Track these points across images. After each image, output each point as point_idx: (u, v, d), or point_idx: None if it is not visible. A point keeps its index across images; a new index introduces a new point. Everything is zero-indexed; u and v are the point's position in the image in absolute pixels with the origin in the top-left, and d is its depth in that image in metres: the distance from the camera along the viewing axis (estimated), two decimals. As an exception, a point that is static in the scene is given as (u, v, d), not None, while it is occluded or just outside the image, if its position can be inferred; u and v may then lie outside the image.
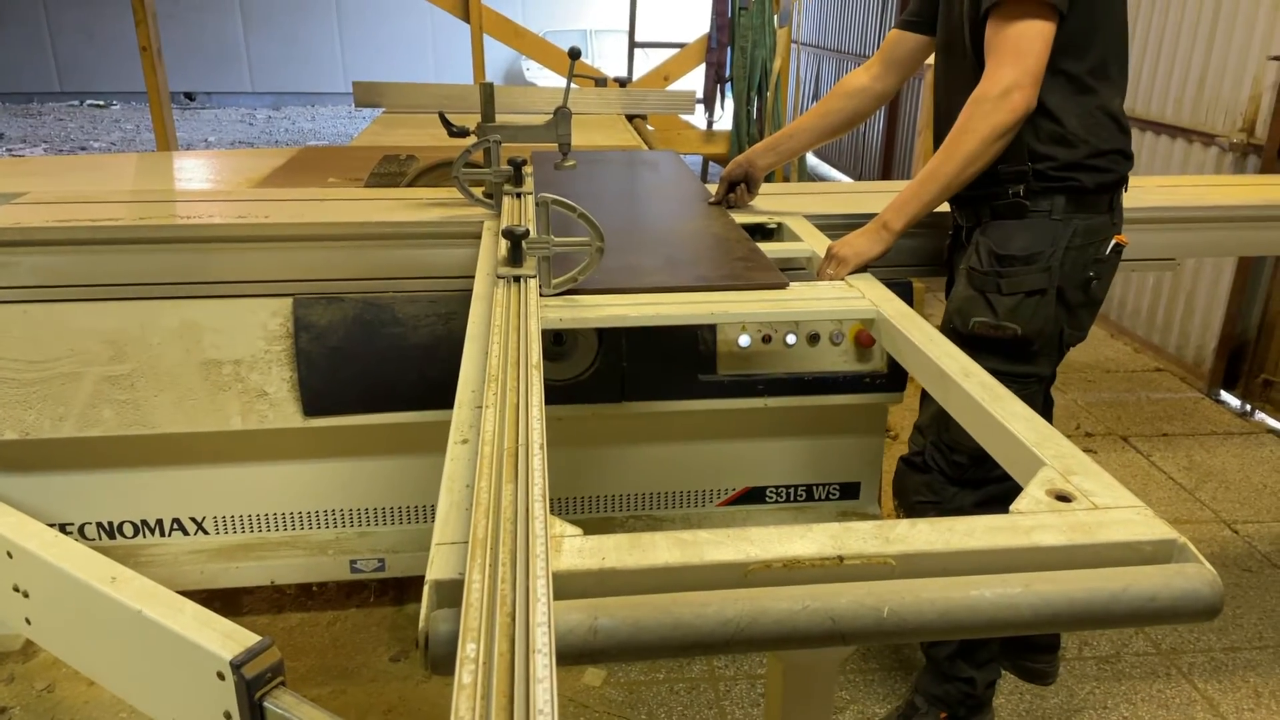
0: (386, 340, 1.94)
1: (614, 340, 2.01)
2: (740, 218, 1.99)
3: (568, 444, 2.16)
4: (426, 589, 0.77)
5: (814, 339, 2.06)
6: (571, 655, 0.75)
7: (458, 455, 0.98)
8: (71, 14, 12.77)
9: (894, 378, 2.10)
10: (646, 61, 5.71)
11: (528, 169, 2.04)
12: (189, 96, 13.02)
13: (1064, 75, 1.60)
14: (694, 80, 4.84)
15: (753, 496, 2.26)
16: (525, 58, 12.00)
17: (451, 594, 0.76)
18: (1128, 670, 2.16)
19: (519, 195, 1.90)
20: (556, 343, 2.04)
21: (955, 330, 1.71)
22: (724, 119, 5.05)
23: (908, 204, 1.67)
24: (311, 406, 1.96)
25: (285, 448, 2.04)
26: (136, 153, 4.39)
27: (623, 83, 4.01)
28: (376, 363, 1.95)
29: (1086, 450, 3.07)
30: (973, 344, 1.68)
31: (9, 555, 1.70)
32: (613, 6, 13.42)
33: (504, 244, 1.44)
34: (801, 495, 2.26)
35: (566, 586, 0.80)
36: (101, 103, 12.87)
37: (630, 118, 3.60)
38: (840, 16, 7.89)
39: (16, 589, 1.72)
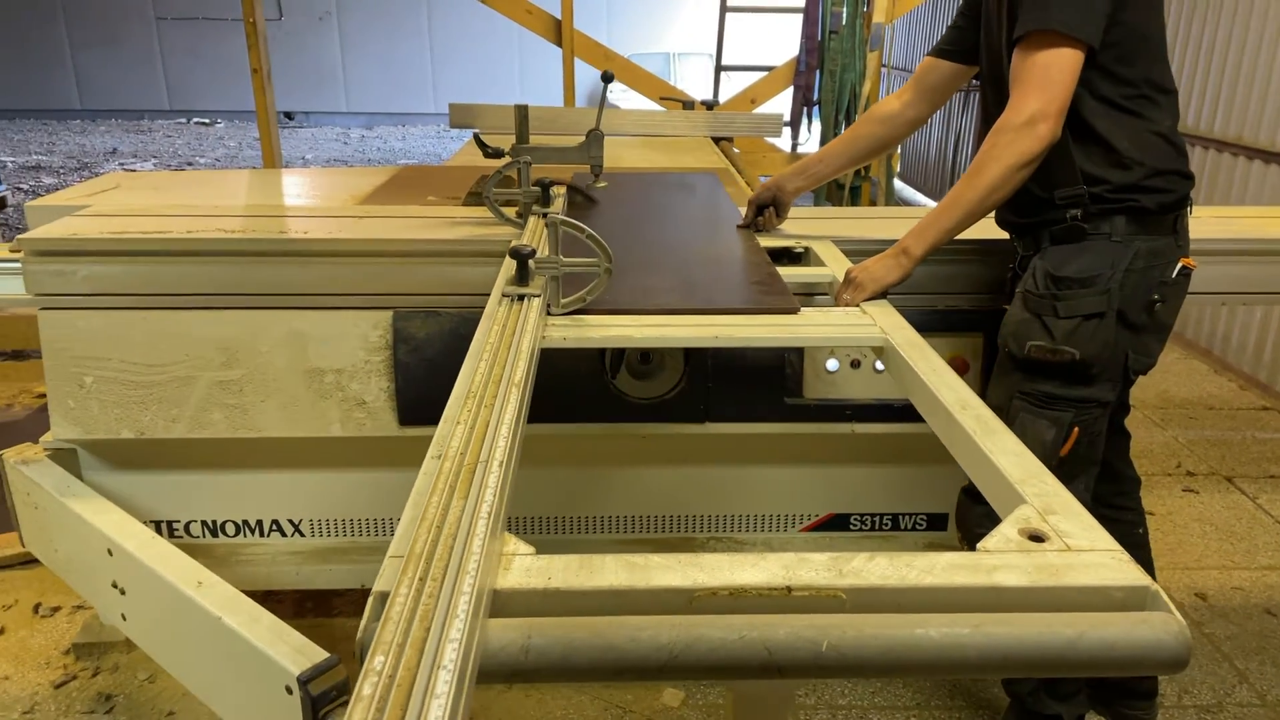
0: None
1: (699, 360, 2.03)
2: (769, 241, 1.99)
3: (649, 463, 2.17)
4: (370, 601, 0.77)
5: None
6: (503, 674, 0.75)
7: (428, 471, 0.97)
8: (182, 37, 13.50)
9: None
10: (730, 85, 5.74)
11: (556, 190, 2.08)
12: (288, 116, 13.60)
13: (1108, 100, 1.58)
14: (780, 103, 4.85)
15: (837, 523, 2.23)
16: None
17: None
18: (1231, 722, 2.06)
19: (545, 215, 1.94)
20: (643, 361, 2.06)
21: (1010, 354, 1.68)
22: (810, 142, 5.04)
23: (928, 230, 1.65)
24: (407, 416, 2.02)
25: (380, 455, 2.11)
26: (249, 169, 4.61)
27: (709, 105, 4.03)
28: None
29: (1187, 490, 2.96)
30: (1028, 368, 1.66)
31: (109, 553, 1.80)
32: (695, 30, 13.54)
33: (512, 263, 1.46)
34: (887, 524, 2.23)
35: (511, 604, 0.80)
36: (207, 120, 13.53)
37: (717, 140, 3.62)
38: (930, 41, 7.81)
39: (115, 585, 1.82)
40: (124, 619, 1.84)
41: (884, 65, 4.71)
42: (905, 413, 2.07)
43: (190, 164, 9.99)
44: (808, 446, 2.13)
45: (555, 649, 0.75)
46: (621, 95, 11.63)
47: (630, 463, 2.16)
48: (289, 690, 1.35)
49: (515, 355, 1.20)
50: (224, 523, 2.16)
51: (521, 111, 2.07)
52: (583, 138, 2.11)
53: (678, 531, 2.25)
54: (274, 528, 2.17)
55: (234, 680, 1.54)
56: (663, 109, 4.32)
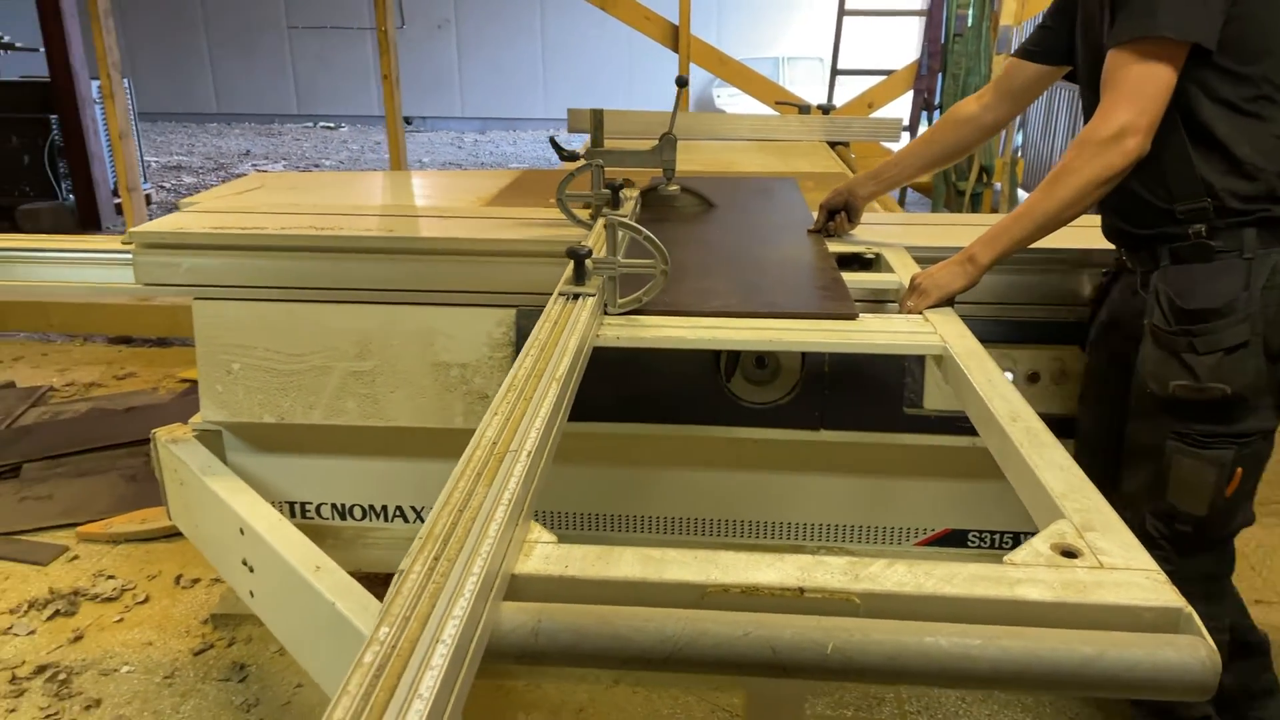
0: (597, 354, 2.03)
1: (816, 366, 2.01)
2: (840, 247, 1.96)
3: (761, 468, 2.17)
4: (395, 577, 0.79)
5: (1034, 378, 1.97)
6: (512, 654, 0.77)
7: (464, 458, 1.00)
8: (311, 44, 14.18)
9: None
10: (844, 90, 5.66)
11: (627, 192, 2.09)
12: (407, 120, 14.14)
13: (1227, 103, 1.48)
14: (898, 108, 4.75)
15: (954, 539, 2.18)
16: (717, 85, 12.20)
17: None
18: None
19: (624, 219, 1.97)
20: (758, 365, 2.06)
21: (1153, 395, 1.58)
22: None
23: (998, 239, 1.59)
24: (526, 412, 2.07)
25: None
26: (380, 170, 4.83)
27: (825, 110, 3.99)
28: (586, 375, 2.04)
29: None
30: (1176, 408, 1.55)
31: (241, 532, 1.90)
32: (805, 34, 13.40)
33: (570, 263, 1.48)
34: (1008, 542, 2.16)
35: (528, 589, 0.82)
36: (332, 125, 14.17)
37: (833, 145, 3.58)
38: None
39: (245, 563, 1.92)
40: (251, 595, 1.95)
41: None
42: (1060, 427, 2.00)
43: (316, 165, 10.49)
44: (926, 459, 2.09)
45: (564, 634, 0.77)
46: (731, 100, 11.63)
47: (742, 468, 2.16)
48: None
49: (561, 351, 1.23)
50: (352, 506, 2.26)
51: (597, 116, 2.12)
52: (692, 141, 2.12)
53: (788, 539, 2.23)
54: (398, 513, 2.26)
55: (343, 664, 1.60)
56: (776, 114, 4.30)
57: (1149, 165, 1.53)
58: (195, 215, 2.25)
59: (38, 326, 4.41)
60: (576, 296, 1.45)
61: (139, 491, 2.91)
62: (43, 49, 6.03)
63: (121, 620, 2.37)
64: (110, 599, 2.45)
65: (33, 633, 2.32)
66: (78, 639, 2.29)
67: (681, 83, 2.04)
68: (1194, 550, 1.61)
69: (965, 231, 2.15)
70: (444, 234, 2.05)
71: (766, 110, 5.05)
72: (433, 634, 0.68)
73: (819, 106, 4.07)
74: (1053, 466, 1.03)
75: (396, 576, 0.77)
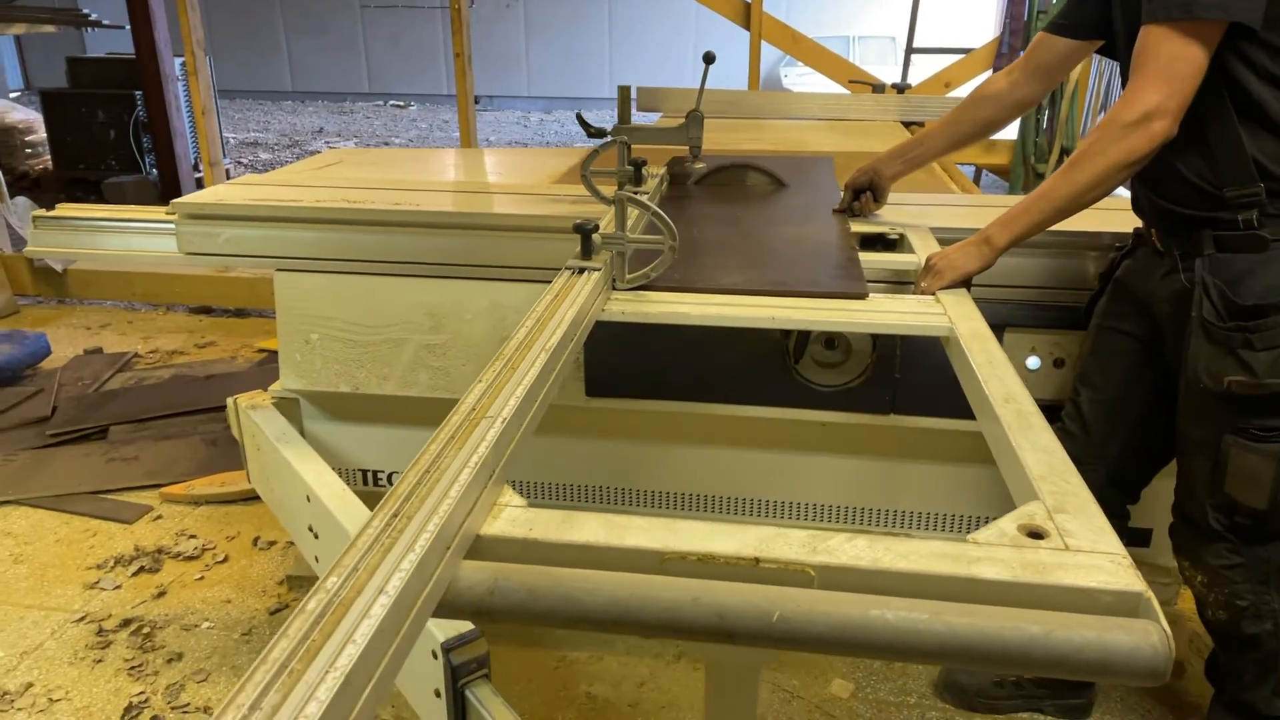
0: (667, 330, 2.03)
1: (888, 349, 1.98)
2: (865, 227, 1.94)
3: (829, 451, 2.15)
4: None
5: (1059, 363, 1.91)
6: (468, 611, 0.81)
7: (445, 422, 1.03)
8: (383, 24, 14.38)
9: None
10: (917, 69, 5.53)
11: (650, 169, 2.12)
12: (474, 99, 14.28)
13: (1278, 81, 1.40)
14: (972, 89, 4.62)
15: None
16: (785, 64, 12.02)
17: None
18: None
19: (634, 194, 1.98)
20: (828, 347, 2.03)
21: (1206, 390, 1.51)
22: (1009, 128, 4.79)
23: (1016, 220, 1.55)
24: (594, 388, 2.09)
25: (567, 424, 2.19)
26: (453, 148, 4.89)
27: (900, 89, 3.91)
28: (657, 351, 2.04)
29: None
30: (1233, 403, 1.49)
31: (307, 499, 1.94)
32: (876, 13, 13.12)
33: (578, 237, 1.50)
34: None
35: (492, 550, 0.85)
36: (401, 103, 14.37)
37: (907, 125, 3.50)
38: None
39: (310, 529, 1.97)
40: (316, 561, 2.00)
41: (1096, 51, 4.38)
42: (1112, 417, 1.95)
43: (386, 143, 10.66)
44: (1000, 446, 2.04)
45: (518, 593, 0.80)
46: (799, 80, 11.45)
47: (810, 449, 2.14)
48: (434, 655, 1.41)
49: (556, 324, 1.25)
50: (422, 477, 2.31)
51: (624, 92, 2.14)
52: (762, 120, 2.10)
53: (855, 523, 2.22)
54: (469, 485, 2.30)
55: None
56: (849, 93, 4.22)
57: (1194, 144, 1.47)
58: (235, 187, 2.32)
59: (123, 295, 4.59)
60: (582, 271, 1.48)
61: (218, 455, 3.01)
62: (128, 27, 6.22)
63: (202, 578, 2.46)
64: (191, 557, 2.55)
65: (119, 588, 2.42)
66: (161, 595, 2.39)
67: (709, 59, 2.04)
68: (1259, 540, 1.57)
69: (995, 213, 2.12)
70: (514, 210, 2.07)
71: (838, 89, 4.96)
72: (378, 585, 0.71)
73: (894, 86, 3.98)
74: (1036, 449, 1.03)
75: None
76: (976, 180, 5.51)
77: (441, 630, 1.43)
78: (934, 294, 1.57)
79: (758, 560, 0.81)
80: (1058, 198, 1.51)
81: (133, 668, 2.13)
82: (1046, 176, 4.40)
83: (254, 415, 2.21)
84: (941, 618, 0.75)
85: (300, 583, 2.41)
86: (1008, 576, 0.79)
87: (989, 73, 4.72)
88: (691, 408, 2.07)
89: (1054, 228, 1.60)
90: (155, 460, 3.00)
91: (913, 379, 1.98)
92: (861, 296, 1.52)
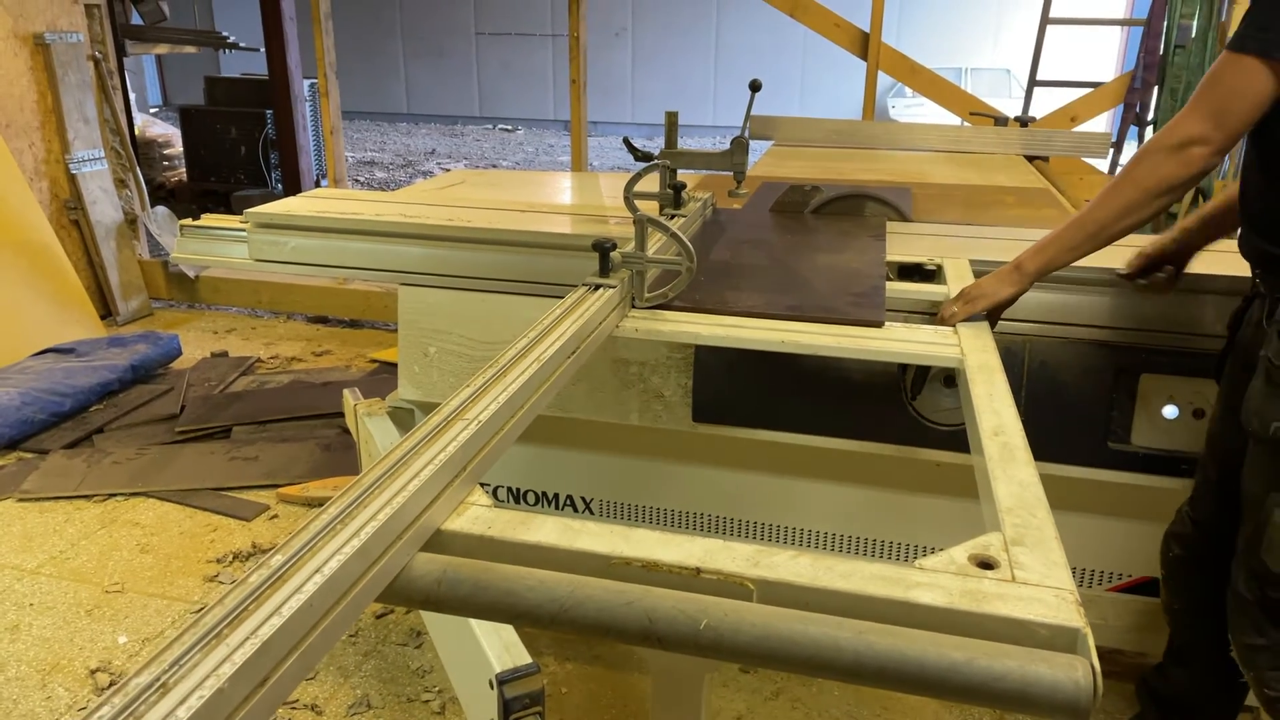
0: (778, 361, 2.01)
1: (1013, 389, 1.91)
2: (901, 257, 1.91)
3: (943, 493, 2.08)
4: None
5: (1198, 414, 1.79)
6: (416, 599, 0.85)
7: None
8: (496, 50, 14.84)
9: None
10: (1038, 103, 5.37)
11: (690, 193, 2.16)
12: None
13: None
14: (1099, 124, 4.46)
15: (1149, 588, 2.01)
16: (893, 95, 11.85)
17: None
18: None
19: (672, 217, 2.03)
20: (947, 385, 1.97)
21: (1255, 435, 1.40)
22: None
23: (1047, 247, 1.49)
24: (701, 413, 2.08)
25: (672, 448, 2.19)
26: (569, 171, 5.00)
27: (1023, 122, 3.80)
28: (764, 379, 2.02)
29: None
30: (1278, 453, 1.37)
31: None
32: (989, 44, 12.83)
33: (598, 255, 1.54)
34: (1216, 596, 1.97)
35: (450, 544, 0.90)
36: (510, 127, 14.77)
37: (1030, 159, 3.40)
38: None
39: None
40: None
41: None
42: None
43: (495, 165, 10.94)
44: (1130, 498, 1.94)
45: (464, 586, 0.83)
46: (906, 110, 11.28)
47: (923, 490, 2.08)
48: (491, 685, 1.39)
49: (558, 336, 1.29)
50: (526, 491, 2.34)
51: (671, 118, 2.17)
52: (878, 150, 2.08)
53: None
54: (568, 502, 2.32)
55: (461, 660, 1.64)
56: (969, 125, 4.13)
57: None
58: (305, 200, 2.45)
59: (248, 302, 4.82)
60: (598, 287, 1.52)
61: (332, 460, 3.12)
62: (263, 49, 6.59)
63: (312, 578, 2.54)
64: (303, 558, 2.64)
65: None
66: (274, 591, 2.48)
67: (755, 87, 2.04)
68: None
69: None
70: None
71: (952, 120, 4.86)
72: (316, 565, 0.75)
73: (1015, 118, 3.88)
74: (1011, 481, 1.03)
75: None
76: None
77: (499, 660, 1.42)
78: (953, 325, 1.54)
79: (699, 570, 0.84)
80: (1089, 223, 1.46)
81: (245, 660, 2.21)
82: (1180, 216, 4.19)
83: (369, 422, 2.28)
84: (863, 637, 0.75)
85: (404, 589, 2.47)
86: (943, 603, 0.80)
87: (1119, 108, 4.56)
88: (801, 439, 2.04)
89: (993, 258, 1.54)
90: (273, 461, 3.13)
91: (1037, 422, 1.90)
92: (877, 324, 1.53)
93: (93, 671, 2.17)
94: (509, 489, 2.35)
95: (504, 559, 0.87)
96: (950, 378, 1.96)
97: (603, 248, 1.55)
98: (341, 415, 2.46)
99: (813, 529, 2.17)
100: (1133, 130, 4.59)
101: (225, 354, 4.20)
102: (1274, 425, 1.38)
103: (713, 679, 2.13)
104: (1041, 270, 1.53)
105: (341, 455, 3.11)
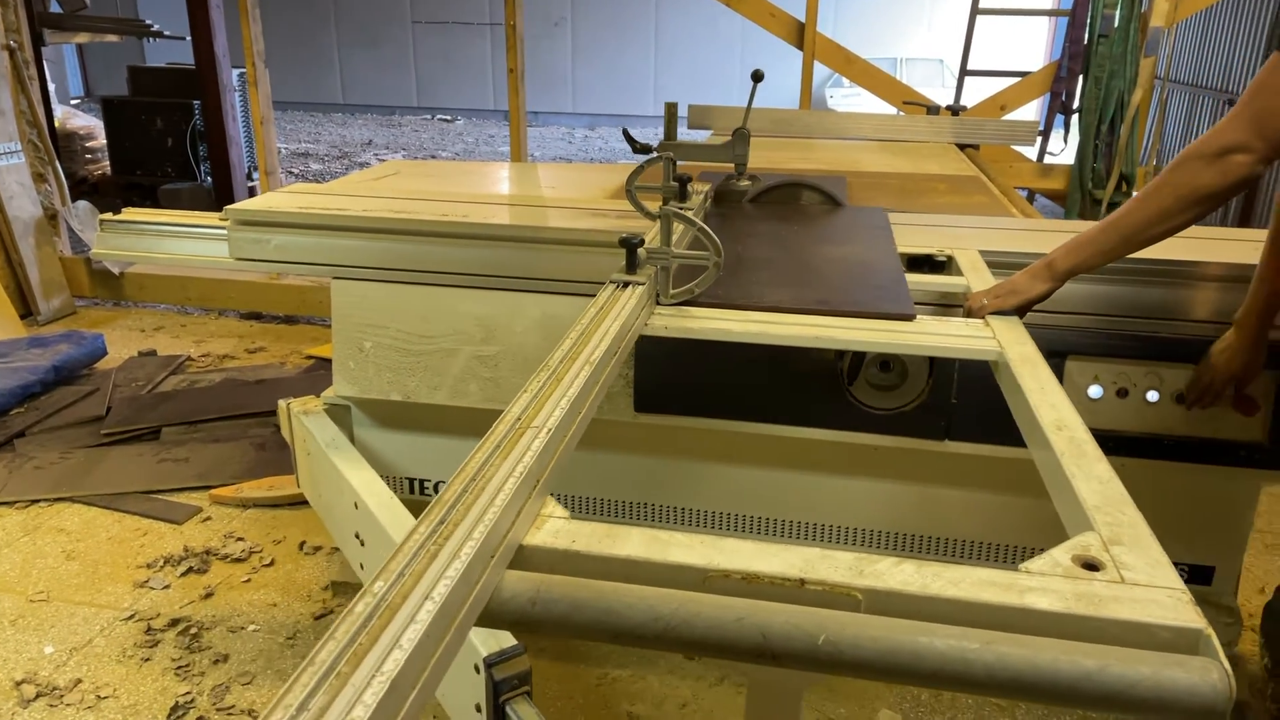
0: (716, 347, 2.02)
1: (945, 374, 1.94)
2: (910, 249, 1.91)
3: (881, 477, 2.11)
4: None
5: (1180, 398, 1.85)
6: (509, 620, 0.80)
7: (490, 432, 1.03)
8: (434, 40, 14.61)
9: (1275, 452, 1.84)
10: (969, 91, 5.47)
11: (695, 186, 2.10)
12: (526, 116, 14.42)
13: None
14: (1028, 112, 4.57)
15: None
16: (830, 85, 11.99)
17: None
18: None
19: (680, 210, 1.96)
20: (883, 370, 2.00)
21: None
22: (1065, 153, 4.73)
23: (1081, 248, 1.50)
24: (643, 403, 2.07)
25: (615, 439, 2.18)
26: (508, 162, 4.96)
27: (955, 111, 3.87)
28: (705, 367, 2.03)
29: None
30: None
31: (355, 506, 1.95)
32: (923, 35, 13.06)
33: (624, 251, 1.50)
34: (1141, 569, 2.04)
35: (534, 560, 0.85)
36: (449, 118, 14.57)
37: (962, 147, 3.46)
38: (1228, 53, 7.05)
39: (357, 536, 1.98)
40: (362, 568, 2.01)
41: (1158, 77, 4.32)
42: (1176, 450, 1.89)
43: (434, 156, 10.79)
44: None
45: (560, 605, 0.79)
46: (844, 100, 11.41)
47: (860, 474, 2.11)
48: (477, 669, 1.40)
49: (601, 337, 1.25)
50: (468, 487, 2.31)
51: (670, 109, 2.14)
52: (813, 140, 2.09)
53: (904, 550, 2.17)
54: (512, 497, 2.30)
55: None
56: (903, 114, 4.19)
57: None
58: (288, 195, 2.35)
59: (177, 299, 4.68)
60: (626, 285, 1.48)
61: (267, 459, 3.05)
62: (189, 37, 6.38)
63: (249, 581, 2.49)
64: (239, 560, 2.57)
65: (167, 587, 2.46)
66: (208, 596, 2.42)
67: (758, 77, 2.03)
68: None
69: (1050, 238, 2.06)
70: (567, 224, 2.08)
71: (887, 110, 4.93)
72: (424, 592, 0.71)
73: (948, 108, 3.95)
74: (1090, 478, 1.01)
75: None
76: (1031, 201, 5.43)
77: (484, 644, 1.42)
78: (984, 318, 1.55)
79: (803, 581, 0.81)
80: (1124, 226, 1.46)
81: (179, 667, 2.15)
82: (1104, 203, 4.32)
83: (305, 420, 2.23)
84: (992, 648, 0.73)
85: (345, 589, 2.42)
86: (1060, 608, 0.78)
87: (1046, 97, 4.67)
88: (741, 427, 2.05)
89: (1003, 248, 1.55)
90: (205, 462, 3.05)
91: (970, 405, 1.94)
92: (909, 318, 1.50)
93: (18, 683, 2.09)
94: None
95: (590, 574, 0.84)
96: (886, 364, 1.99)
97: (630, 244, 1.50)
98: (276, 413, 2.41)
99: (755, 515, 2.19)
100: (1059, 119, 4.72)
101: (153, 353, 4.07)
102: None
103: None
104: (1073, 271, 1.54)
105: (277, 454, 3.04)
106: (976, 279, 1.74)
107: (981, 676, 0.73)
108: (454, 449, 2.29)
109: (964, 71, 5.23)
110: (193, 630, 2.28)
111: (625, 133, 2.19)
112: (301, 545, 2.65)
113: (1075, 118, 4.45)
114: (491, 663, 1.38)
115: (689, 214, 1.55)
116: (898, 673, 0.74)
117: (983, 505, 2.09)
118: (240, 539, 2.67)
